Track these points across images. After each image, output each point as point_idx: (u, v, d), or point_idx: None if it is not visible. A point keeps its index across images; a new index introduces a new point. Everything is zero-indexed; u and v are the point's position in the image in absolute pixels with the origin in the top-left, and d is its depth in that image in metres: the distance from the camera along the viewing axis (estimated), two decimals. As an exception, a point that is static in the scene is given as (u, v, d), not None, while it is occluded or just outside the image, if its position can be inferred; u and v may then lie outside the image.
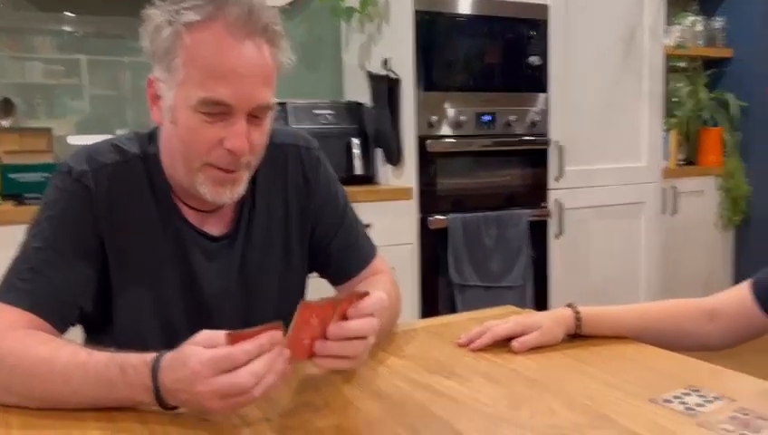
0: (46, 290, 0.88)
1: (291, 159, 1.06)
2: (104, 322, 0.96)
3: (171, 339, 0.78)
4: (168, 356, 0.74)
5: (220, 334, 0.72)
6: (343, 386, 0.87)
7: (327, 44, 2.90)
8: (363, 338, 0.80)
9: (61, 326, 0.89)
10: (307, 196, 1.07)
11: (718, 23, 3.58)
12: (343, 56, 2.90)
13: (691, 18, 3.53)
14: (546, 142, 2.71)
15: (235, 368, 0.70)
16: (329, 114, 2.57)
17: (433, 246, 2.50)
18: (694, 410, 0.77)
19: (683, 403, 0.79)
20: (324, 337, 0.79)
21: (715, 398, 0.80)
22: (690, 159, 3.55)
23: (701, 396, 0.81)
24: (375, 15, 2.61)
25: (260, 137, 0.92)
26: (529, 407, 0.79)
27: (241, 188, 0.94)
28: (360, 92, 2.71)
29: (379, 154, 2.62)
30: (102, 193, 0.93)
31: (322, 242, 1.08)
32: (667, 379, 0.87)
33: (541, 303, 2.70)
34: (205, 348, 0.72)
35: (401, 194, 2.44)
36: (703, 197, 3.41)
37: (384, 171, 2.63)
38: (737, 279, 3.46)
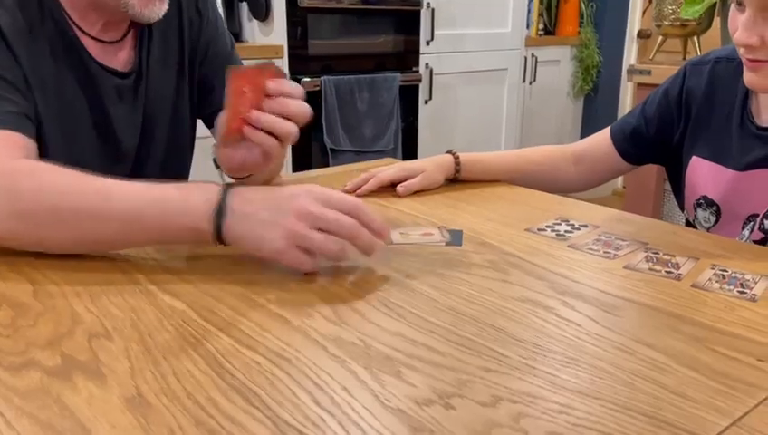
0: (16, 109, 0.79)
1: None
2: None
3: None
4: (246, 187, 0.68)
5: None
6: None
7: None
8: (292, 121, 0.76)
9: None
10: (198, 30, 1.02)
11: None
12: None
13: None
14: (418, 3, 2.67)
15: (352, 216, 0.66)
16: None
17: (305, 109, 2.45)
18: (564, 235, 0.85)
19: (554, 231, 0.86)
20: (259, 108, 0.73)
21: (582, 225, 0.88)
22: (550, 28, 3.68)
23: (570, 225, 0.88)
24: None
25: None
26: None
27: (166, 5, 0.89)
28: (220, -62, 2.47)
29: (244, 8, 2.44)
30: (7, 25, 0.81)
31: (206, 78, 1.03)
32: (539, 212, 0.94)
33: (410, 166, 2.79)
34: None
35: (270, 52, 2.32)
36: (559, 66, 3.59)
37: (250, 27, 2.47)
38: (583, 144, 3.76)
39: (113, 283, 0.67)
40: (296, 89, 0.76)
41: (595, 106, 3.77)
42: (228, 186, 0.69)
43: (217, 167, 0.93)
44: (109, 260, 0.73)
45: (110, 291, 0.65)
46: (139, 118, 0.96)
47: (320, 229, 0.66)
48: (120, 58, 0.94)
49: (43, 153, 0.85)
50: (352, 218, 0.67)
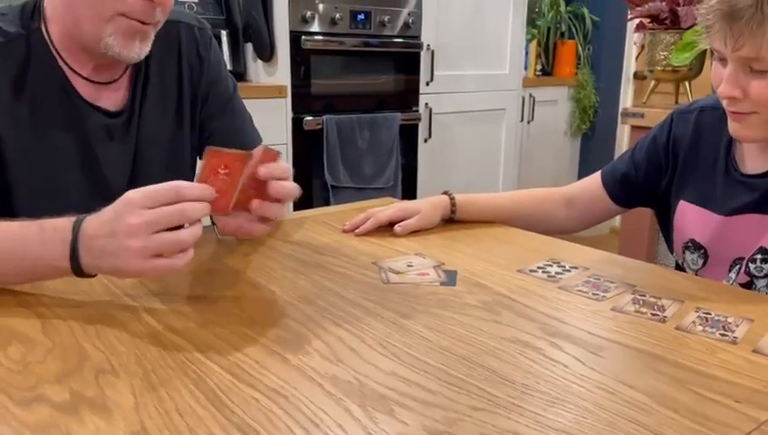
0: None
1: (184, 37, 1.04)
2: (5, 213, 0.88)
3: None
4: (99, 212, 0.69)
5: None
6: (232, 269, 0.88)
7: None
8: (281, 202, 0.76)
9: None
10: (199, 74, 1.05)
11: (579, -63, 3.73)
12: (208, -59, 2.69)
13: (555, -70, 3.65)
14: (419, 45, 2.74)
15: (177, 202, 0.65)
16: (193, 3, 2.41)
17: (306, 147, 2.50)
18: (555, 277, 0.87)
19: (546, 272, 0.89)
20: (230, 192, 0.72)
21: (572, 267, 0.91)
22: (547, 69, 3.76)
23: (561, 266, 0.91)
24: None
25: None
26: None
27: (147, 47, 0.92)
28: (227, -18, 2.55)
29: (249, 49, 2.52)
30: None
31: (207, 120, 1.07)
32: (531, 253, 0.97)
33: (409, 203, 2.82)
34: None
35: (274, 92, 2.38)
36: (556, 106, 3.66)
37: (255, 68, 2.54)
38: (581, 182, 3.80)
39: (118, 319, 0.70)
40: (284, 170, 0.76)
41: (592, 145, 3.83)
42: (78, 220, 0.70)
43: (213, 223, 0.96)
44: (114, 296, 0.76)
45: (115, 327, 0.68)
46: (129, 157, 0.99)
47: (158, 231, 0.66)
48: (112, 98, 0.97)
49: (15, 192, 0.88)
50: (178, 203, 0.66)
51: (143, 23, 0.89)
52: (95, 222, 0.68)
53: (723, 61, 0.87)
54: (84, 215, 0.70)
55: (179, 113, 1.05)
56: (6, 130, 0.87)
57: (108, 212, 0.68)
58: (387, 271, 0.87)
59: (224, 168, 0.70)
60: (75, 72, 0.93)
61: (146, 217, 0.65)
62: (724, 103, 0.89)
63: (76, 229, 0.69)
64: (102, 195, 0.96)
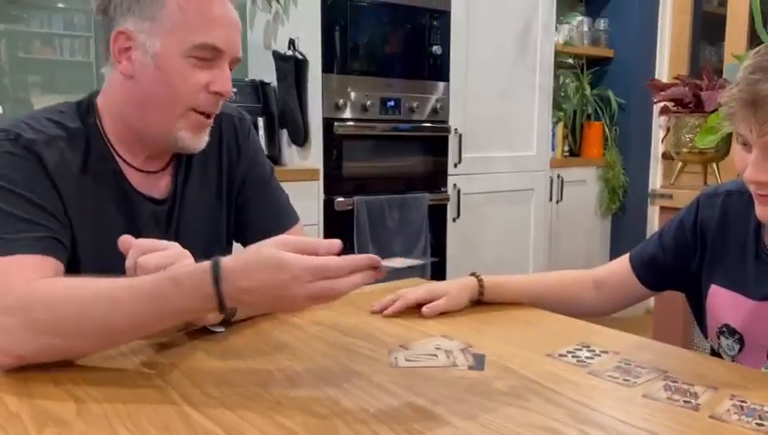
0: (47, 233, 0.87)
1: (225, 127, 1.10)
2: None
3: None
4: (233, 260, 0.72)
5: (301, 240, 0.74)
6: (259, 350, 0.89)
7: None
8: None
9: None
10: (237, 161, 1.11)
11: (602, 24, 3.86)
12: (247, 35, 2.86)
13: (578, 18, 3.78)
14: (447, 129, 2.82)
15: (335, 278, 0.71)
16: (233, 92, 2.53)
17: (337, 227, 2.54)
18: (585, 362, 0.86)
19: (575, 357, 0.88)
20: None
21: (603, 352, 0.90)
22: (575, 150, 3.81)
23: (591, 350, 0.90)
24: (281, -5, 2.60)
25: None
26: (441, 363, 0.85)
27: (208, 136, 1.00)
28: (263, 72, 2.69)
29: (284, 135, 2.62)
30: (53, 163, 0.91)
31: (244, 204, 1.12)
32: (561, 337, 0.96)
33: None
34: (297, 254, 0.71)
35: (307, 175, 2.46)
36: (585, 186, 3.67)
37: (289, 152, 2.63)
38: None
39: (150, 401, 0.71)
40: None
41: (623, 225, 3.81)
42: (216, 273, 0.72)
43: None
44: (146, 378, 0.77)
45: (147, 409, 0.69)
46: (171, 239, 1.03)
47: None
48: (159, 186, 1.03)
49: (82, 269, 0.93)
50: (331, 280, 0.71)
51: (209, 116, 0.97)
52: (245, 279, 0.71)
53: (746, 146, 0.88)
54: (217, 266, 0.72)
55: (218, 199, 1.10)
56: (74, 216, 0.93)
57: (267, 274, 0.71)
58: (396, 353, 0.87)
59: None
60: (127, 163, 1.00)
61: (311, 289, 0.70)
62: (751, 188, 0.90)
63: (217, 281, 0.72)
64: None
